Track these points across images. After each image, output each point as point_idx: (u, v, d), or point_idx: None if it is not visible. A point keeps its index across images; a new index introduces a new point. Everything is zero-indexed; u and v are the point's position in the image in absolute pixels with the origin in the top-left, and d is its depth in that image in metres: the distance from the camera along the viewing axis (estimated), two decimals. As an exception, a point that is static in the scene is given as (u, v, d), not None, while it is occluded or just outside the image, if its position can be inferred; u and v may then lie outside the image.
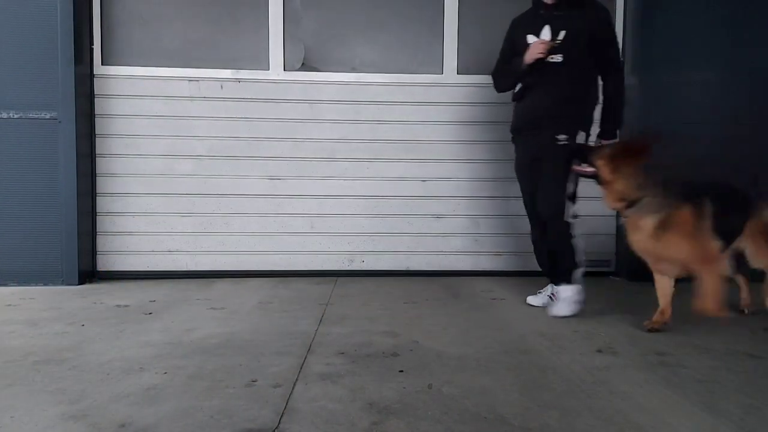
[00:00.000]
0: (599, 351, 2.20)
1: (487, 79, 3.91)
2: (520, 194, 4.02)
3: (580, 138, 2.79)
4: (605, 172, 2.52)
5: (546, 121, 2.79)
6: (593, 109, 2.86)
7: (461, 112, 3.94)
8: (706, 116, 3.80)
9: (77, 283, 3.53)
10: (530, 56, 2.75)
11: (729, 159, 3.74)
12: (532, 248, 4.10)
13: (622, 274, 3.96)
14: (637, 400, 1.69)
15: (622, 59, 2.89)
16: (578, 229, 2.83)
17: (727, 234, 2.53)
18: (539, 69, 2.77)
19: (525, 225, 3.98)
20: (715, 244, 2.43)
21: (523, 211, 3.98)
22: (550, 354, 2.15)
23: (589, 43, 2.74)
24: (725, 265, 2.51)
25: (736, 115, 3.81)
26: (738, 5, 3.79)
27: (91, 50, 3.72)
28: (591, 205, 4.03)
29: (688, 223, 2.41)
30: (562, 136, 2.75)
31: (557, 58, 2.74)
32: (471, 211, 3.98)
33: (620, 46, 2.85)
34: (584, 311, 2.84)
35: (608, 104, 2.84)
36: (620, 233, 3.99)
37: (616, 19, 3.95)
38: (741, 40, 3.80)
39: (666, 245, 2.44)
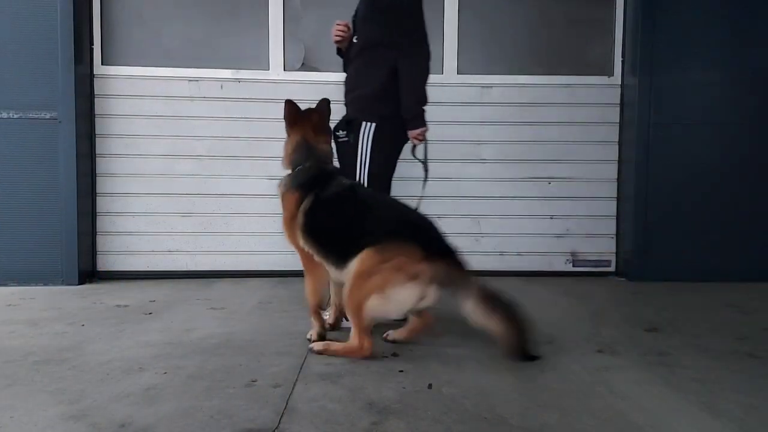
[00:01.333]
0: (599, 351, 2.20)
1: (487, 79, 3.94)
2: (522, 194, 4.05)
3: (368, 129, 2.48)
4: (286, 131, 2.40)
5: (346, 108, 2.62)
6: (383, 97, 2.47)
7: (461, 112, 3.93)
8: (706, 116, 3.81)
9: (77, 283, 3.53)
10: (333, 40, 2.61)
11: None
12: (533, 248, 4.12)
13: (622, 274, 3.96)
14: (637, 400, 1.69)
15: (413, 39, 2.44)
16: None
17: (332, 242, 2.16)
18: (349, 51, 2.59)
19: (527, 225, 4.02)
20: (305, 245, 2.20)
21: (525, 211, 4.02)
22: (549, 354, 2.15)
23: (373, 20, 2.44)
24: (321, 271, 2.23)
25: (737, 115, 3.82)
26: (738, 4, 3.78)
27: (91, 50, 3.72)
28: (591, 205, 4.05)
29: (287, 211, 2.24)
30: (341, 132, 2.55)
31: (356, 39, 2.53)
32: (471, 211, 3.98)
33: (416, 23, 2.44)
34: (585, 311, 2.83)
35: (400, 91, 2.45)
36: (620, 233, 4.00)
37: (616, 19, 3.96)
38: (742, 40, 3.80)
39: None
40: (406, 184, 2.77)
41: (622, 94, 3.96)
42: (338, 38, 2.61)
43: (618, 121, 3.98)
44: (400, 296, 1.93)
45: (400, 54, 2.42)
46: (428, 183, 3.90)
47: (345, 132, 2.53)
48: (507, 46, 3.99)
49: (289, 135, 2.43)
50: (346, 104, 2.63)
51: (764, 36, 3.80)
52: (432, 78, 3.87)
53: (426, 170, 2.66)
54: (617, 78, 3.97)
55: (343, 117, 2.61)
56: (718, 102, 3.82)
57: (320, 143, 2.39)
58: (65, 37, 3.47)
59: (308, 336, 2.29)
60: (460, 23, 3.90)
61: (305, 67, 3.85)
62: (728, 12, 3.78)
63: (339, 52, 2.75)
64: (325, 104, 2.41)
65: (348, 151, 2.53)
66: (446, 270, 1.96)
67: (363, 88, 2.51)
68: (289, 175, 2.35)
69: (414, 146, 2.61)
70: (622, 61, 3.95)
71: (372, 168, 2.50)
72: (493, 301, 1.93)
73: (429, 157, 3.89)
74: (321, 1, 3.91)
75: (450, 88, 3.92)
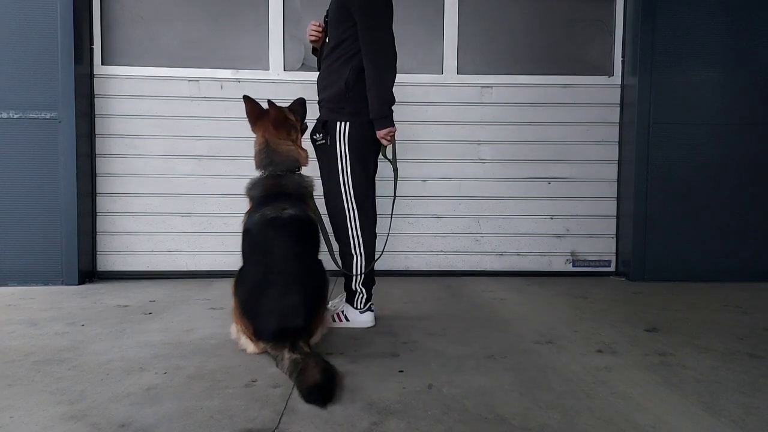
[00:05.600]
0: (599, 351, 2.20)
1: (487, 79, 3.94)
2: (522, 194, 4.05)
3: (342, 129, 2.47)
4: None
5: (319, 109, 2.63)
6: (352, 96, 2.46)
7: (461, 112, 3.94)
8: (706, 116, 3.81)
9: (77, 283, 3.53)
10: (307, 40, 2.67)
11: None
12: (533, 248, 4.12)
13: (622, 274, 3.96)
14: (638, 400, 1.69)
15: (379, 40, 2.40)
16: (362, 249, 2.57)
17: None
18: (322, 51, 2.61)
19: (527, 225, 4.02)
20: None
21: (525, 211, 4.02)
22: (550, 354, 2.15)
23: (341, 19, 2.44)
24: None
25: (737, 115, 3.82)
26: (738, 4, 3.78)
27: (91, 50, 3.72)
28: (591, 205, 4.05)
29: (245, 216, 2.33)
30: (318, 135, 2.55)
31: (327, 39, 2.54)
32: (471, 211, 3.98)
33: (379, 22, 2.39)
34: (585, 311, 2.83)
35: (367, 91, 2.43)
36: (620, 233, 4.00)
37: (616, 19, 3.96)
38: (742, 40, 3.80)
39: None
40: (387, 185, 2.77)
41: (622, 94, 3.96)
42: (312, 38, 2.63)
43: (618, 121, 3.98)
44: (243, 342, 2.12)
45: (366, 54, 2.42)
46: (428, 183, 3.95)
47: (321, 135, 2.53)
48: (507, 46, 3.99)
49: (257, 133, 2.52)
50: (319, 104, 2.64)
51: (764, 36, 3.80)
52: (432, 78, 3.93)
53: (395, 171, 2.64)
54: (617, 78, 3.97)
55: (318, 119, 2.61)
56: (718, 102, 3.82)
57: (281, 144, 2.40)
58: (65, 37, 3.47)
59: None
60: (460, 23, 3.90)
61: (305, 67, 3.85)
62: (728, 12, 3.78)
63: (314, 51, 2.77)
64: (296, 103, 2.48)
65: (326, 154, 2.52)
66: (268, 348, 2.02)
67: (332, 87, 2.51)
68: (252, 179, 2.44)
69: (384, 147, 2.60)
70: (622, 61, 3.95)
71: (354, 167, 2.49)
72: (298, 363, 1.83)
73: (430, 156, 3.94)
74: (321, 1, 3.90)
75: (450, 88, 3.92)
